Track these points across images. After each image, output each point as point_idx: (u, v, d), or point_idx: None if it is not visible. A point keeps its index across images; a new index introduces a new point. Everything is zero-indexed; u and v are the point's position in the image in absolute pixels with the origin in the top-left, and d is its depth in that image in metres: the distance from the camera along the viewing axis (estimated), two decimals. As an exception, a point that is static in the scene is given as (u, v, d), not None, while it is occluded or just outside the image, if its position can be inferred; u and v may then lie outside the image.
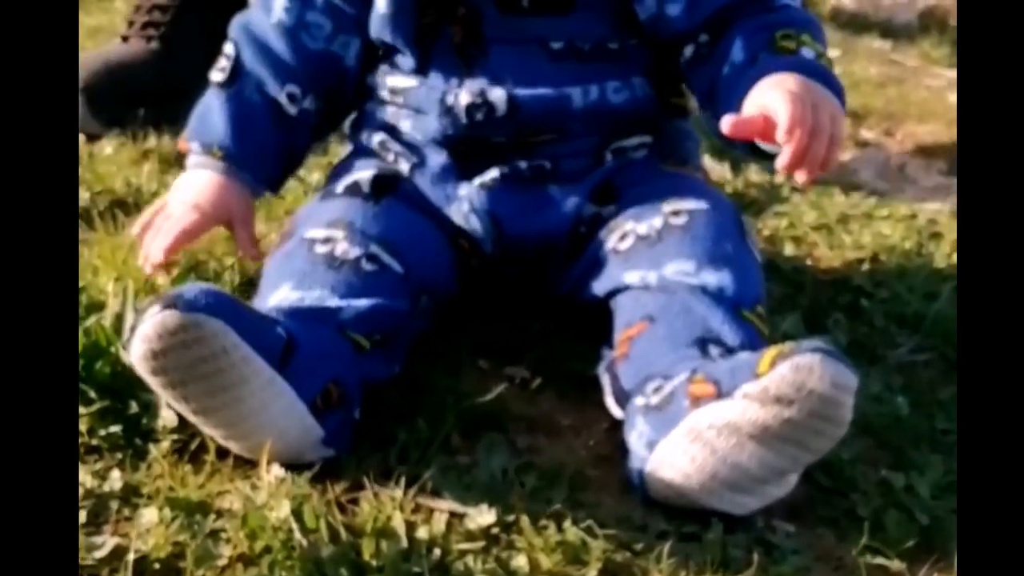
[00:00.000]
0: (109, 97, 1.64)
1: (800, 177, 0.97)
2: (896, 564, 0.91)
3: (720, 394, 0.90)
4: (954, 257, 1.45)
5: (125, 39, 1.74)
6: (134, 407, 0.97)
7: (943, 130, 2.03)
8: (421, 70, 1.14)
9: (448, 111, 1.12)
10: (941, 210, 1.63)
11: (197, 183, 1.17)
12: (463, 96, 1.12)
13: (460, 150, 1.14)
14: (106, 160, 1.54)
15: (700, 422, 0.91)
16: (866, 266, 1.40)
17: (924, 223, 1.56)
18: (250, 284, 1.16)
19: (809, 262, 1.42)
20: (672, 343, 1.00)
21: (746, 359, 0.92)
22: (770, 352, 0.89)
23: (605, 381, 1.06)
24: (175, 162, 1.57)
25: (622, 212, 1.11)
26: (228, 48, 1.19)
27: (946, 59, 2.82)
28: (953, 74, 2.64)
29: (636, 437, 0.97)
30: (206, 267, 1.21)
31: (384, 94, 1.18)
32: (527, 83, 1.11)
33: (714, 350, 0.98)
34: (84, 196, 1.40)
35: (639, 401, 0.98)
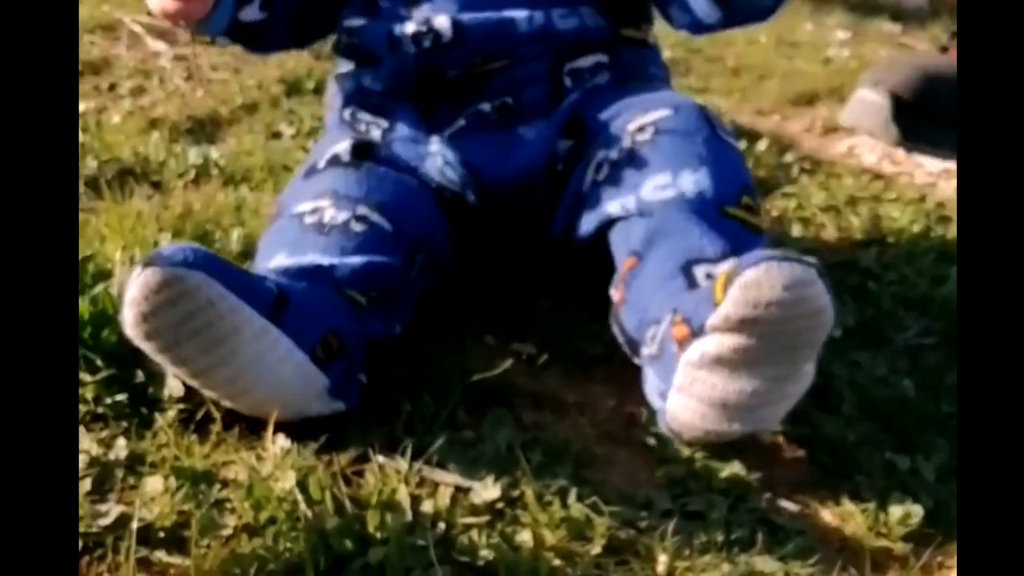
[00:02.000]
0: (922, 111, 1.57)
1: None
2: (899, 546, 0.91)
3: (693, 333, 0.91)
4: (962, 241, 1.45)
5: (944, 49, 1.64)
6: (140, 376, 0.97)
7: (953, 114, 2.02)
8: (371, 11, 1.16)
9: (396, 44, 1.13)
10: (949, 194, 1.63)
11: None
12: (409, 26, 1.12)
13: (419, 95, 1.15)
14: (114, 129, 1.54)
15: (689, 364, 0.91)
16: (874, 249, 1.40)
17: (932, 206, 1.55)
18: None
19: (817, 244, 1.42)
20: (659, 278, 1.00)
21: (705, 290, 0.92)
22: (721, 277, 0.89)
23: (616, 331, 1.05)
24: (185, 133, 1.57)
25: (593, 142, 1.10)
26: None
27: (956, 43, 2.80)
28: (963, 58, 2.63)
29: (651, 391, 0.98)
30: (212, 236, 1.21)
31: (344, 39, 1.19)
32: (470, 9, 1.12)
33: (699, 271, 0.98)
34: (92, 165, 1.40)
35: (645, 351, 0.99)
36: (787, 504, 0.95)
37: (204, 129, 1.60)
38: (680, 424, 0.95)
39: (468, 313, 1.15)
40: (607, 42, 1.17)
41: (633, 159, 1.06)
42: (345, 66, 1.20)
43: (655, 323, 0.97)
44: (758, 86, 2.10)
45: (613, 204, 1.06)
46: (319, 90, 1.77)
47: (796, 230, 1.44)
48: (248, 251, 1.18)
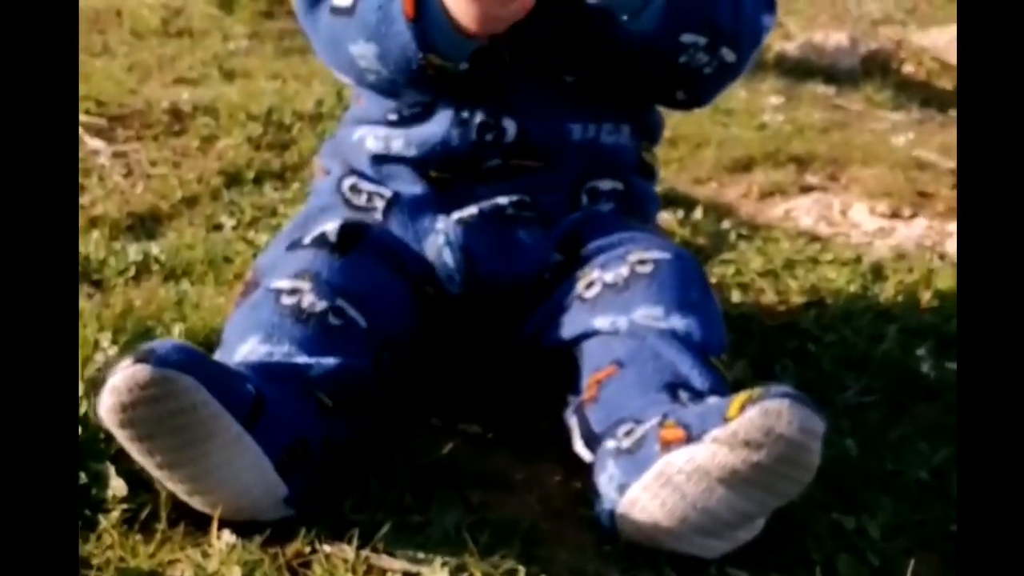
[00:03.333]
0: None
1: None
2: (848, 607, 0.92)
3: (690, 438, 0.91)
4: (899, 298, 1.47)
5: None
6: (83, 478, 0.97)
7: (887, 173, 2.06)
8: (447, 87, 1.16)
9: (462, 123, 1.15)
10: (884, 253, 1.65)
11: None
12: (479, 115, 1.15)
13: (445, 175, 1.17)
14: (53, 229, 1.53)
15: (671, 466, 0.91)
16: (812, 310, 1.42)
17: (868, 266, 1.58)
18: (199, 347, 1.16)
19: (756, 308, 1.44)
20: (642, 387, 1.01)
21: (715, 404, 0.93)
22: (739, 397, 0.90)
23: (573, 423, 1.06)
24: (126, 230, 1.57)
25: (588, 261, 1.13)
26: None
27: (889, 102, 2.86)
28: (896, 117, 2.68)
29: (607, 480, 0.98)
30: (154, 332, 1.21)
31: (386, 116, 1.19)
32: (538, 114, 1.16)
33: (684, 394, 1.00)
34: (31, 266, 1.39)
35: (610, 444, 0.99)
36: (736, 571, 0.95)
37: (144, 225, 1.60)
38: (628, 521, 0.95)
39: (412, 395, 1.15)
40: (629, 166, 1.23)
41: (628, 286, 1.09)
42: (380, 126, 1.20)
43: (634, 421, 0.98)
44: (695, 155, 2.13)
45: (602, 320, 1.08)
46: (259, 180, 1.78)
47: (735, 296, 1.46)
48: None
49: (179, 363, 0.87)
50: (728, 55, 1.14)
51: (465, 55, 1.08)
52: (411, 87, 1.13)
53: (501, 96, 1.15)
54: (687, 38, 1.11)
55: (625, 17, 1.08)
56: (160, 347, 0.88)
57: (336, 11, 1.12)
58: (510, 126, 1.16)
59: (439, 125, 1.16)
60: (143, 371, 0.86)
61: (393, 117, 1.19)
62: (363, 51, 1.11)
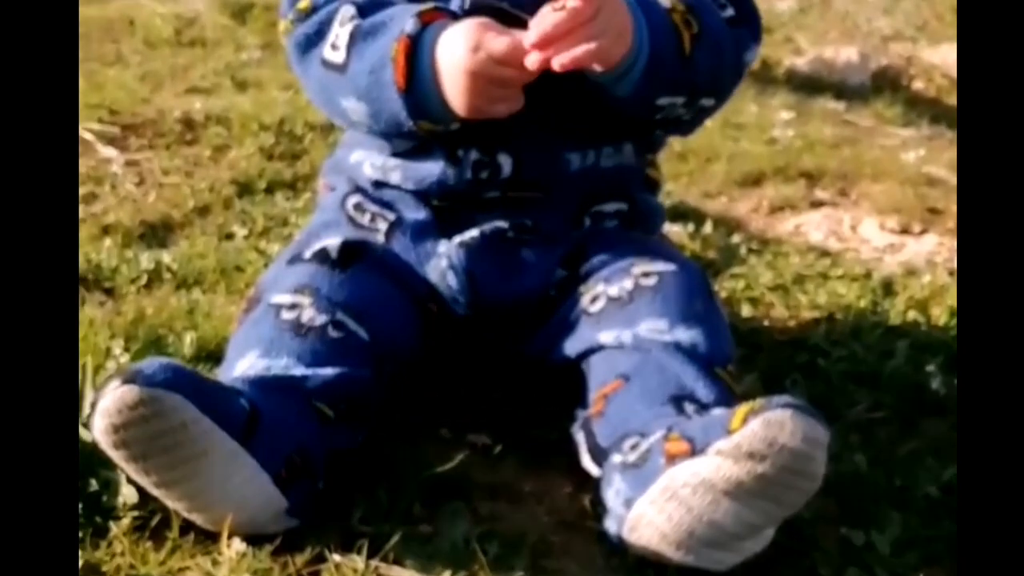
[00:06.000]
0: None
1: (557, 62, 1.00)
2: (857, 622, 0.92)
3: (694, 451, 0.91)
4: (909, 314, 1.47)
5: None
6: (94, 485, 0.97)
7: (897, 189, 2.06)
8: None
9: (456, 162, 1.13)
10: (894, 269, 1.65)
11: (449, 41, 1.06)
12: (473, 153, 1.13)
13: (446, 204, 1.16)
14: (66, 237, 1.54)
15: (675, 480, 0.92)
16: (822, 326, 1.42)
17: (878, 282, 1.57)
18: (209, 358, 1.17)
19: (766, 323, 1.44)
20: (648, 401, 1.01)
21: (718, 416, 0.93)
22: (742, 408, 0.90)
23: (580, 439, 1.06)
24: (138, 238, 1.57)
25: (592, 276, 1.13)
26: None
27: (899, 118, 2.86)
28: (906, 133, 2.68)
29: (613, 495, 0.98)
30: (165, 341, 1.21)
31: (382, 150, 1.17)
32: (534, 146, 1.14)
33: (689, 407, 1.00)
34: (43, 274, 1.39)
35: (616, 459, 0.99)
36: (745, 585, 0.95)
37: (156, 234, 1.60)
38: (635, 536, 0.95)
39: (421, 405, 1.16)
40: (632, 186, 1.21)
41: (632, 299, 1.09)
42: (376, 154, 1.18)
43: (639, 435, 0.98)
44: (705, 169, 2.13)
45: (607, 334, 1.08)
46: (271, 190, 1.79)
47: (745, 310, 1.46)
48: (201, 355, 1.18)
49: (166, 382, 0.88)
50: (707, 102, 1.14)
51: (456, 121, 1.08)
52: (405, 139, 1.14)
53: (495, 131, 1.12)
54: (664, 100, 1.10)
55: (603, 81, 1.07)
56: (147, 367, 0.89)
57: (327, 65, 1.12)
58: (505, 162, 1.14)
59: (434, 163, 1.14)
60: (131, 392, 0.86)
61: (387, 151, 1.17)
62: (355, 107, 1.11)
